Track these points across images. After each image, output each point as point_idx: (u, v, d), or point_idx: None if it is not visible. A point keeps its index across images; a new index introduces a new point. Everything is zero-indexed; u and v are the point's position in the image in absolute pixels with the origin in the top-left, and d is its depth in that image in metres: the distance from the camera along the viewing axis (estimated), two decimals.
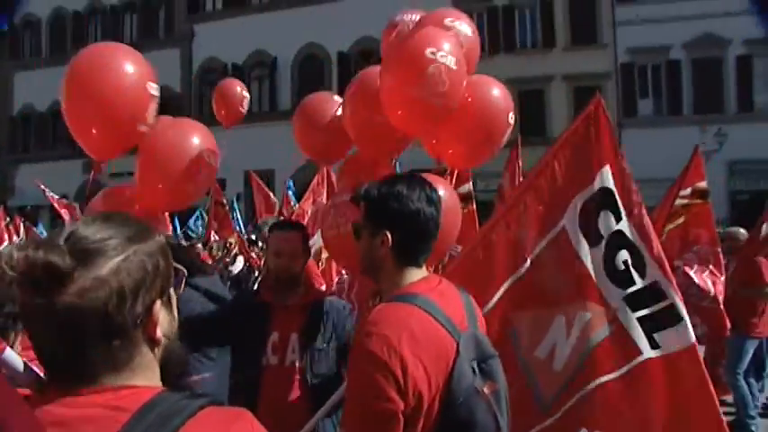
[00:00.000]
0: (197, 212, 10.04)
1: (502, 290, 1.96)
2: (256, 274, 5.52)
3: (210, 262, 6.69)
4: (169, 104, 24.87)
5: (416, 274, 1.48)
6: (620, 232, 1.92)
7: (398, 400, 1.25)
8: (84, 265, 0.74)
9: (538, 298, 1.96)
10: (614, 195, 1.92)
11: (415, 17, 2.75)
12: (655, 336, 1.85)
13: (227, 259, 6.61)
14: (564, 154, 2.00)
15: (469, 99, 2.41)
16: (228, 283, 5.95)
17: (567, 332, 1.91)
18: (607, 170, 1.94)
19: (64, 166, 23.11)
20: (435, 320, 1.35)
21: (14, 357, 0.99)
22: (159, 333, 0.82)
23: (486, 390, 1.34)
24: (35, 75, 24.63)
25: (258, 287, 2.67)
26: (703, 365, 1.84)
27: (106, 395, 0.75)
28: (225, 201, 7.78)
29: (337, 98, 2.95)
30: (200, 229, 9.61)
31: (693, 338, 1.84)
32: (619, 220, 1.92)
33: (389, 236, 1.44)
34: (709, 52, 17.58)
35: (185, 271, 0.95)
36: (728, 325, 4.35)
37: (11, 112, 25.51)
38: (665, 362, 1.84)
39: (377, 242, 1.46)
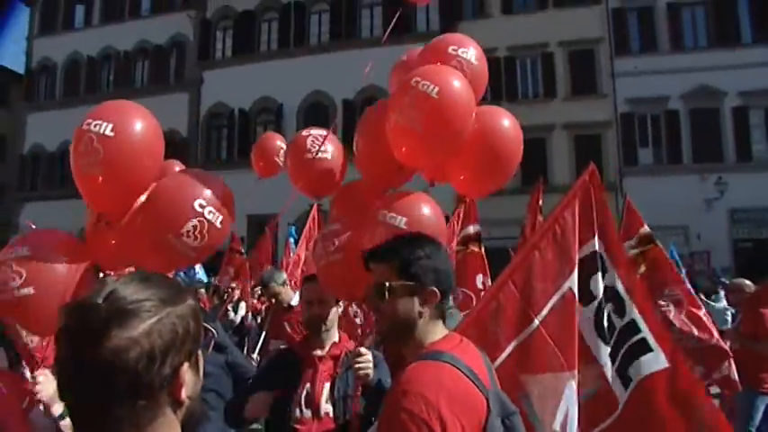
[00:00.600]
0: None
1: (509, 348, 1.96)
2: (259, 320, 5.47)
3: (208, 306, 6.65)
4: (176, 148, 25.38)
5: (438, 332, 1.51)
6: (606, 287, 2.06)
7: None
8: (120, 325, 0.77)
9: (547, 360, 1.96)
10: (602, 256, 2.07)
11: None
12: (629, 370, 2.02)
13: (230, 305, 6.57)
14: (564, 218, 2.06)
15: (477, 127, 2.36)
16: (230, 331, 5.92)
17: (578, 397, 1.94)
18: (595, 237, 2.08)
19: (69, 206, 23.17)
20: (466, 377, 1.37)
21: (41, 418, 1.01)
22: (184, 395, 0.84)
23: None
24: (48, 116, 25.19)
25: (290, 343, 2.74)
26: (680, 386, 1.99)
27: None
28: (242, 249, 7.70)
29: (319, 134, 2.90)
30: (196, 275, 9.50)
31: (666, 363, 2.00)
32: (605, 273, 2.06)
33: (437, 292, 1.48)
34: (706, 103, 17.95)
35: (215, 332, 0.98)
36: (736, 376, 4.23)
37: (21, 151, 25.93)
38: (637, 390, 2.00)
39: (416, 301, 1.48)
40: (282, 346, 3.67)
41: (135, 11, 24.78)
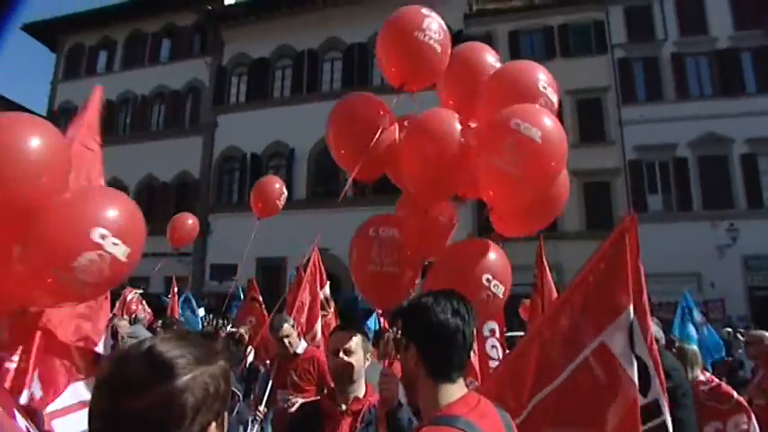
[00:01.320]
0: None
1: (535, 400, 1.90)
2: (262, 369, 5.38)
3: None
4: (188, 189, 25.60)
5: (453, 392, 1.45)
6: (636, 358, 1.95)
7: None
8: (158, 381, 0.81)
9: (571, 415, 1.88)
10: (633, 324, 1.94)
11: None
12: None
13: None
14: (600, 269, 1.99)
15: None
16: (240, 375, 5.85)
17: None
18: (630, 301, 1.95)
19: None
20: None
21: None
22: None
23: None
24: None
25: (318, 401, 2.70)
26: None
27: None
28: (260, 297, 7.63)
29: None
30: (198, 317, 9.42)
31: None
32: (634, 343, 1.94)
33: (416, 349, 1.46)
34: (713, 150, 18.02)
35: (241, 396, 1.01)
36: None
37: None
38: None
39: (407, 356, 1.48)
40: (302, 400, 3.59)
41: (154, 57, 25.69)
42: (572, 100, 19.42)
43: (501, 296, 2.12)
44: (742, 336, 8.84)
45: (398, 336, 1.54)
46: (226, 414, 0.92)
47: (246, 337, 6.69)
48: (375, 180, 2.79)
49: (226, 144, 22.86)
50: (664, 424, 1.90)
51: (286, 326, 4.09)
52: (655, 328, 4.15)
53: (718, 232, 17.01)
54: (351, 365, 2.38)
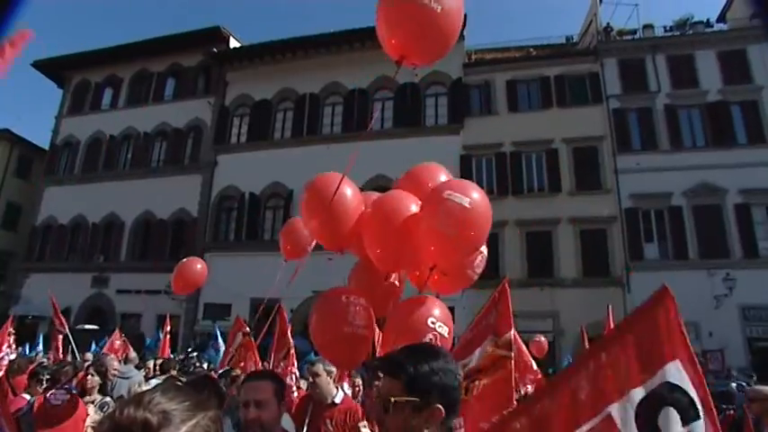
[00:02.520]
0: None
1: None
2: None
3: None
4: (185, 227, 25.54)
5: None
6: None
7: None
8: (167, 426, 0.88)
9: None
10: (685, 393, 1.78)
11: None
12: None
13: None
14: (625, 340, 1.88)
15: None
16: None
17: None
18: (677, 365, 1.82)
19: (73, 279, 23.32)
20: None
21: None
22: None
23: None
24: (65, 190, 25.91)
25: None
26: None
27: None
28: (249, 332, 7.49)
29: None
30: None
31: None
32: (693, 420, 1.75)
33: (442, 410, 1.44)
34: (708, 200, 18.22)
35: None
36: None
37: (34, 222, 26.38)
38: None
39: (423, 416, 1.44)
40: None
41: (159, 96, 26.18)
42: (568, 148, 19.75)
43: (446, 336, 2.51)
44: (743, 389, 8.68)
45: (400, 395, 1.46)
46: None
47: (242, 377, 6.54)
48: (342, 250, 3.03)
49: (225, 183, 23.01)
50: None
51: (319, 365, 3.97)
52: None
53: (715, 281, 16.99)
54: (263, 419, 2.27)
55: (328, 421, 3.78)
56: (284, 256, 5.34)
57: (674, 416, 1.74)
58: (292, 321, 8.80)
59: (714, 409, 1.77)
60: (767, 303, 16.40)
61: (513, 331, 3.64)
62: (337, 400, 3.85)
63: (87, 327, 17.58)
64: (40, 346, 13.01)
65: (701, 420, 1.73)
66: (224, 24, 25.38)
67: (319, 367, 3.89)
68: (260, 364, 6.61)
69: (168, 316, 8.78)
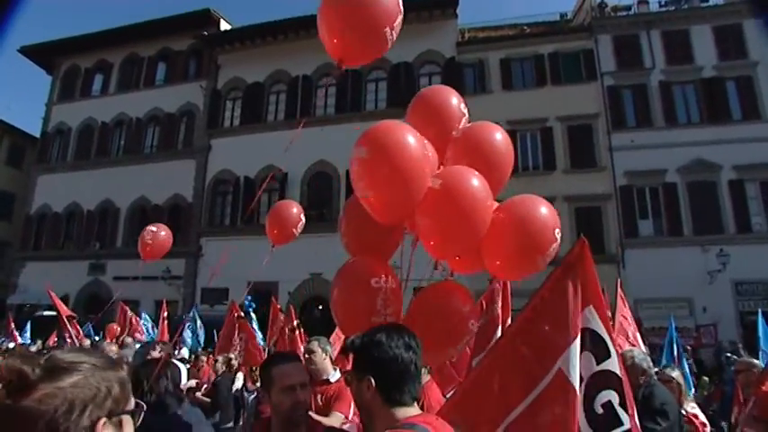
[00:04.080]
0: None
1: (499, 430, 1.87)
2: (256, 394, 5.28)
3: (212, 377, 6.51)
4: (180, 212, 25.46)
5: (410, 412, 1.56)
6: (603, 372, 1.90)
7: None
8: (50, 379, 0.90)
9: None
10: (598, 335, 1.93)
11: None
12: None
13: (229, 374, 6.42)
14: (553, 295, 1.98)
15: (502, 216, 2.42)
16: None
17: None
18: (591, 311, 1.96)
19: (70, 267, 23.32)
20: None
21: None
22: None
23: None
24: (57, 178, 25.72)
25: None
26: None
27: None
28: (242, 314, 7.52)
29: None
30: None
31: None
32: (605, 358, 1.91)
33: (373, 381, 1.56)
34: (702, 176, 18.29)
35: (144, 406, 1.06)
36: None
37: (29, 211, 26.25)
38: None
39: (363, 387, 1.59)
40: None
41: (150, 81, 25.88)
42: (563, 126, 19.71)
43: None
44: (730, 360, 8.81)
45: (351, 369, 1.65)
46: (125, 418, 1.00)
47: (236, 363, 6.63)
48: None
49: (219, 167, 22.90)
50: None
51: (314, 343, 3.99)
52: (641, 357, 4.13)
53: (709, 257, 17.14)
54: (307, 402, 2.26)
55: (319, 396, 3.85)
56: (271, 241, 5.35)
57: (590, 358, 1.92)
58: (290, 303, 8.85)
59: (619, 350, 1.97)
60: (760, 278, 16.58)
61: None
62: (332, 379, 3.91)
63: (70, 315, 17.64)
64: (28, 334, 13.02)
65: (613, 358, 1.91)
66: (214, 7, 24.98)
67: (314, 344, 3.97)
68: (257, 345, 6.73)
69: (165, 301, 8.80)
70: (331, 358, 4.04)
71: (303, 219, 5.41)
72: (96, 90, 27.14)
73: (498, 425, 1.86)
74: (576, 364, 1.85)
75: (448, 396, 3.43)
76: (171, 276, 21.20)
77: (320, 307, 18.60)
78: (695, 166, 18.33)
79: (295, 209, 5.42)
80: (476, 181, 2.27)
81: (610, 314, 2.01)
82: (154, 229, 5.80)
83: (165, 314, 8.40)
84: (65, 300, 19.69)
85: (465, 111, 2.86)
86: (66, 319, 7.08)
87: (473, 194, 2.25)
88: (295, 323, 6.28)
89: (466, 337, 2.54)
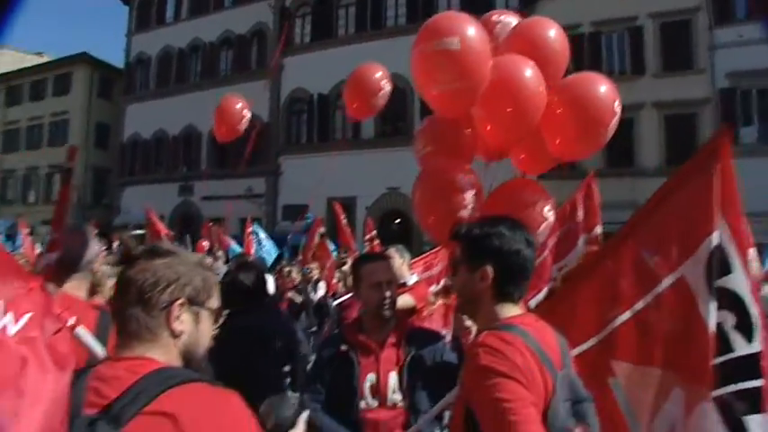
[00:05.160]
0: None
1: (602, 334, 1.78)
2: (337, 301, 5.54)
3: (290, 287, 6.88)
4: (258, 133, 26.12)
5: (512, 310, 1.52)
6: (722, 290, 1.64)
7: (526, 392, 1.27)
8: (147, 258, 1.16)
9: (646, 352, 1.72)
10: (725, 247, 1.65)
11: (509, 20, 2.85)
12: (745, 419, 1.54)
13: (309, 285, 6.74)
14: (682, 195, 1.76)
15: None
16: (311, 311, 6.14)
17: (684, 411, 1.62)
18: (723, 221, 1.68)
19: (162, 189, 25.04)
20: (533, 353, 1.36)
21: (87, 335, 1.49)
22: (177, 327, 1.14)
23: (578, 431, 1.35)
24: (144, 106, 27.14)
25: (344, 330, 2.64)
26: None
27: (132, 362, 1.08)
28: (324, 231, 7.86)
29: None
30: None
31: None
32: (728, 273, 1.63)
33: (489, 271, 1.50)
34: None
35: (223, 312, 1.23)
36: None
37: (121, 139, 28.17)
38: None
39: (476, 277, 1.53)
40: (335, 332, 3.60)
41: (219, 3, 25.92)
42: (655, 24, 17.81)
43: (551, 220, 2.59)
44: None
45: (461, 257, 1.59)
46: (204, 311, 1.19)
47: (317, 273, 6.94)
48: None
49: (293, 86, 23.05)
50: (758, 391, 1.54)
51: (392, 249, 4.06)
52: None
53: None
54: (393, 298, 2.38)
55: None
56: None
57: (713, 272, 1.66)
58: (367, 217, 9.06)
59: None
60: None
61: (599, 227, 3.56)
62: (409, 283, 4.02)
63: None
64: None
65: (736, 274, 1.63)
66: None
67: (392, 251, 4.04)
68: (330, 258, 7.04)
69: (250, 218, 9.28)
70: (408, 264, 4.14)
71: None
72: (170, 17, 27.61)
73: (600, 329, 1.78)
74: (701, 273, 1.65)
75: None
76: (253, 195, 22.24)
77: (398, 221, 18.96)
78: None
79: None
80: (527, 68, 2.39)
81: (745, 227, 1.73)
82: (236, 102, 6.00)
83: (250, 230, 8.84)
84: (161, 220, 21.33)
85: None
86: (163, 234, 7.70)
87: (525, 80, 2.38)
88: (374, 233, 6.50)
89: (541, 227, 2.57)
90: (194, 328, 1.17)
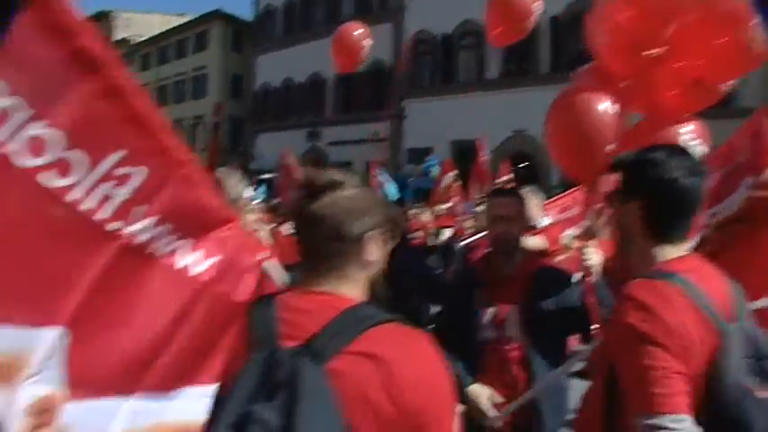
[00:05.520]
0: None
1: None
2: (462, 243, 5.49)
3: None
4: (382, 77, 26.13)
5: (671, 252, 1.33)
6: None
7: (673, 360, 1.14)
8: (332, 190, 1.08)
9: None
10: None
11: None
12: None
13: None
14: None
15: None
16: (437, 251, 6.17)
17: None
18: None
19: (291, 135, 26.37)
20: (694, 307, 1.18)
21: (276, 267, 1.53)
22: (368, 257, 1.11)
23: (764, 393, 1.16)
24: (272, 56, 28.46)
25: (469, 261, 2.62)
26: None
27: (324, 296, 1.05)
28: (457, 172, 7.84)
29: None
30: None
31: None
32: None
33: (640, 206, 1.33)
34: None
35: (402, 230, 1.15)
36: None
37: (253, 88, 30.06)
38: None
39: (627, 211, 1.37)
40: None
41: None
42: None
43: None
44: None
45: (616, 189, 1.43)
46: (386, 241, 1.16)
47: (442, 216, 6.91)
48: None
49: (416, 28, 22.52)
50: None
51: (525, 189, 4.04)
52: None
53: None
54: (510, 233, 2.32)
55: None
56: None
57: None
58: (491, 161, 8.75)
59: None
60: None
61: None
62: (538, 226, 3.84)
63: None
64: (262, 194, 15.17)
65: None
66: None
67: (524, 191, 3.90)
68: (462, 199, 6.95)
69: (374, 162, 9.43)
70: (540, 206, 4.00)
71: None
72: None
73: None
74: None
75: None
76: (378, 139, 22.57)
77: (524, 164, 18.23)
78: None
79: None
80: None
81: None
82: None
83: (375, 173, 9.00)
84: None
85: None
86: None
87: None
88: (510, 176, 6.30)
89: None
90: (380, 258, 1.16)
